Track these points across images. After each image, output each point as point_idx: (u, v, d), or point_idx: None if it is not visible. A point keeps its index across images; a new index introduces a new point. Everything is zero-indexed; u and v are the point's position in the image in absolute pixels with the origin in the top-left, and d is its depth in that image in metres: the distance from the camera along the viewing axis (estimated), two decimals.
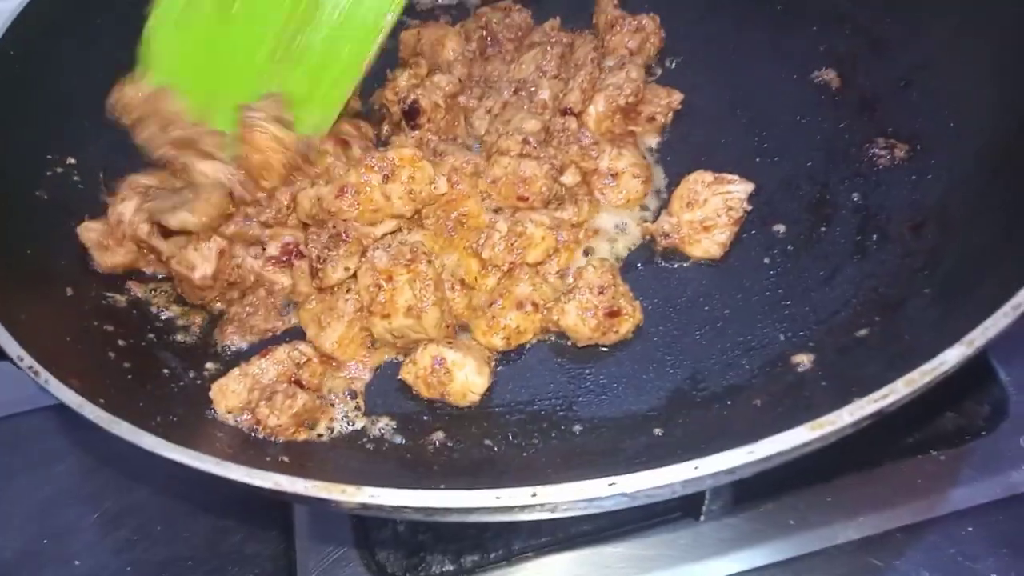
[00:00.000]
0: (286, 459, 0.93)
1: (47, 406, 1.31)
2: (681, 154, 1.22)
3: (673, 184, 1.16)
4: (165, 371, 1.04)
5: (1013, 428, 1.09)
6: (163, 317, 1.12)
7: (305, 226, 1.12)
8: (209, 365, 1.07)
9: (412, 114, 1.23)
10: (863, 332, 0.98)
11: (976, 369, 1.11)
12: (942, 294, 0.95)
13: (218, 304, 1.13)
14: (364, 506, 0.70)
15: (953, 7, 1.17)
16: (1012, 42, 1.04)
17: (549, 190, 1.11)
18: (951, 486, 1.05)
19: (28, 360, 0.84)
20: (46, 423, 1.33)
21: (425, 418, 1.00)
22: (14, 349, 0.85)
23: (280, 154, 1.13)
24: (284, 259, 1.12)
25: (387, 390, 1.04)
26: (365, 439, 0.99)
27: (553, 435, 0.96)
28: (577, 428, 0.97)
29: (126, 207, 1.13)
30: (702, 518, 1.03)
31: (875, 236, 1.08)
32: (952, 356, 0.71)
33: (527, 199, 1.11)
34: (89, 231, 1.12)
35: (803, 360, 0.97)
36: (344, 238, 1.05)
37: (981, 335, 0.72)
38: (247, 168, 1.14)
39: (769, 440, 0.67)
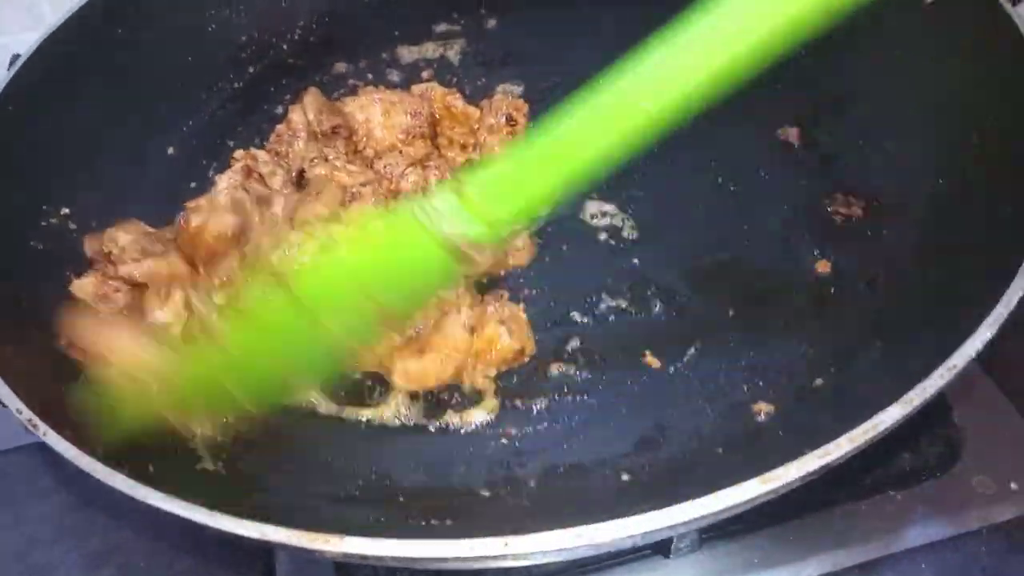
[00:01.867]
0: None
1: (30, 444, 1.32)
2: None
3: None
4: None
5: (965, 469, 1.14)
6: None
7: None
8: None
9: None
10: (819, 382, 1.04)
11: (933, 410, 1.17)
12: (891, 347, 1.01)
13: None
14: (346, 555, 0.74)
15: (903, 70, 1.25)
16: (945, 113, 1.12)
17: None
18: (906, 525, 1.09)
19: (27, 413, 0.86)
20: (29, 460, 1.33)
21: None
22: (13, 402, 0.87)
23: (226, 242, 1.12)
24: None
25: None
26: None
27: (524, 482, 1.00)
28: (549, 474, 1.00)
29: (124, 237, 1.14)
30: (671, 556, 1.08)
31: (832, 289, 1.14)
32: (892, 414, 0.76)
33: None
34: (84, 287, 1.13)
35: (763, 409, 1.02)
36: None
37: (919, 395, 0.77)
38: (198, 262, 1.13)
39: (717, 495, 0.72)
